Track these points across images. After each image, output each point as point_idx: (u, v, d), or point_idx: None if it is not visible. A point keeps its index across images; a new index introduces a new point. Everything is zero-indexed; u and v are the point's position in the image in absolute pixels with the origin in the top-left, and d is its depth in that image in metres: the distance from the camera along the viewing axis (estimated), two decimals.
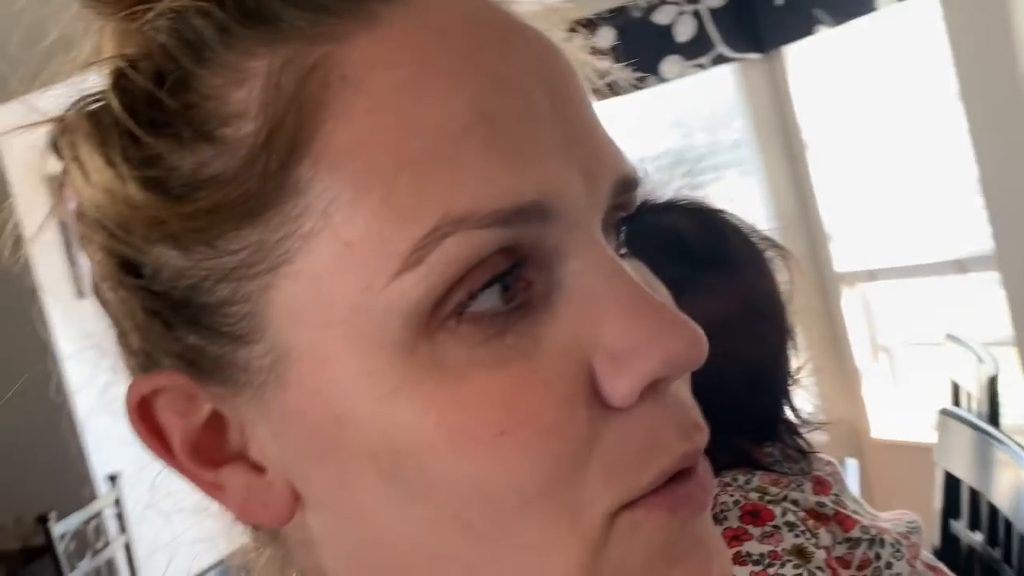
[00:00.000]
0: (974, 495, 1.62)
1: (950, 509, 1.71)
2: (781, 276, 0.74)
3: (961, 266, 2.82)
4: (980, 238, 2.64)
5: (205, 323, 0.35)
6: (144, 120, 0.34)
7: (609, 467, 0.33)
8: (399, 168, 0.32)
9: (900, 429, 3.14)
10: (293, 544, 0.40)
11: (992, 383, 2.02)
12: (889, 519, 0.66)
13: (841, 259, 3.17)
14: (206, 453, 0.37)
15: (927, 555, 0.67)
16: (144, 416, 0.37)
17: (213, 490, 0.37)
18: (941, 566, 0.67)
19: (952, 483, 1.72)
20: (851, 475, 2.37)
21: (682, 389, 0.36)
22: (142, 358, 0.38)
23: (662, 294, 0.38)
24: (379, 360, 0.33)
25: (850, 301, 3.20)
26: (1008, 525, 1.48)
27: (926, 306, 3.03)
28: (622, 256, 0.38)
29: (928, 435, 2.49)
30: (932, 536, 1.74)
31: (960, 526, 1.68)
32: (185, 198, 0.33)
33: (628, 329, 0.33)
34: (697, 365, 0.34)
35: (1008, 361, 2.46)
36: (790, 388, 0.73)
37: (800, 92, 3.12)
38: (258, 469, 0.37)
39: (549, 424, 0.32)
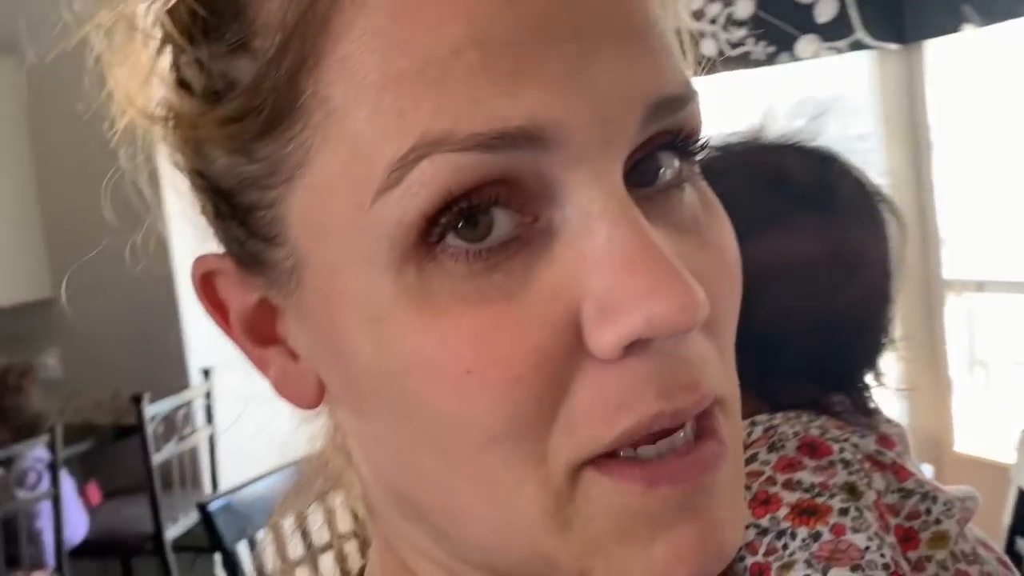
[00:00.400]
0: None
1: (1018, 526, 1.69)
2: (890, 236, 0.73)
3: None
4: None
5: (244, 221, 0.36)
6: (199, 26, 0.35)
7: (575, 418, 0.32)
8: (385, 87, 0.31)
9: (984, 446, 3.07)
10: (336, 425, 0.44)
11: None
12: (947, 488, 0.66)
13: (951, 266, 3.10)
14: (257, 331, 0.39)
15: (981, 533, 0.67)
16: (207, 289, 0.39)
17: (259, 364, 0.40)
18: (995, 547, 0.67)
19: None
20: None
21: (692, 343, 0.34)
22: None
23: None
24: (370, 279, 0.33)
25: (954, 309, 3.13)
26: None
27: None
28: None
29: (1011, 455, 2.43)
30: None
31: None
32: (217, 105, 0.34)
33: (618, 281, 0.31)
34: (688, 329, 0.31)
35: None
36: (873, 347, 0.72)
37: (935, 90, 3.03)
38: (294, 355, 0.39)
39: (516, 370, 0.32)
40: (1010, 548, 1.69)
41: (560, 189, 0.32)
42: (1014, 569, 0.65)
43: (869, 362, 0.71)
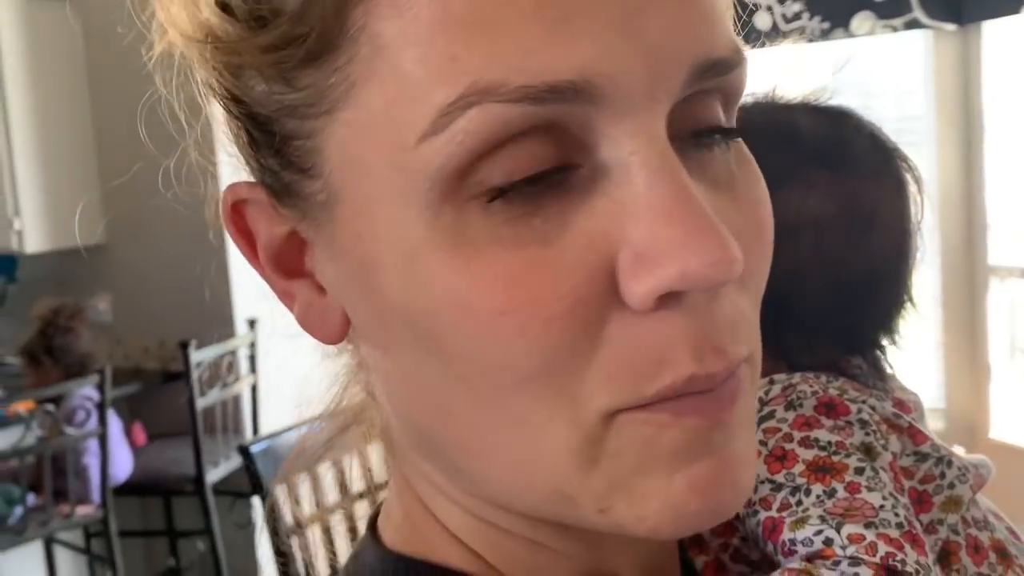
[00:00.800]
0: None
1: None
2: (908, 195, 0.71)
3: None
4: None
5: (279, 150, 0.36)
6: None
7: (612, 368, 0.33)
8: (439, 28, 0.31)
9: (1021, 434, 3.05)
10: (358, 360, 0.44)
11: None
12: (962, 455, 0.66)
13: (997, 251, 3.07)
14: (284, 263, 0.39)
15: (991, 503, 0.66)
16: (236, 218, 0.39)
17: (284, 296, 0.40)
18: (1005, 517, 0.67)
19: None
20: None
21: (725, 298, 0.34)
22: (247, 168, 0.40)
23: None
24: (405, 218, 0.33)
25: (997, 295, 3.10)
26: None
27: None
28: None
29: None
30: None
31: None
32: (259, 30, 0.34)
33: (655, 232, 0.31)
34: (721, 285, 0.32)
35: None
36: (891, 307, 0.70)
37: (991, 72, 2.99)
38: (321, 289, 0.39)
39: (551, 313, 0.32)
40: None
41: (602, 139, 0.32)
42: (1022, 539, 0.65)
43: (886, 323, 0.70)
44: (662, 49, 0.32)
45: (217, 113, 0.40)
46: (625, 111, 0.32)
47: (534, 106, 0.30)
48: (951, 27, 2.94)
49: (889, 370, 0.69)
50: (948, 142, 3.07)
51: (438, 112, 0.31)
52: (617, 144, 0.32)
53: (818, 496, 0.55)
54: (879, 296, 0.70)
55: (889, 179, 0.70)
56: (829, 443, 0.58)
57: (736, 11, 0.41)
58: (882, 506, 0.55)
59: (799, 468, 0.56)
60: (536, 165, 0.32)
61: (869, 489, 0.56)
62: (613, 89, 0.31)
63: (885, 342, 0.70)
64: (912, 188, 0.71)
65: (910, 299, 0.71)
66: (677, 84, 0.32)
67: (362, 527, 0.46)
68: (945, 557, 0.60)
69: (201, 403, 3.01)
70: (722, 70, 0.34)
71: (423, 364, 0.35)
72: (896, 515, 0.55)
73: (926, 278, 3.10)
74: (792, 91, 0.70)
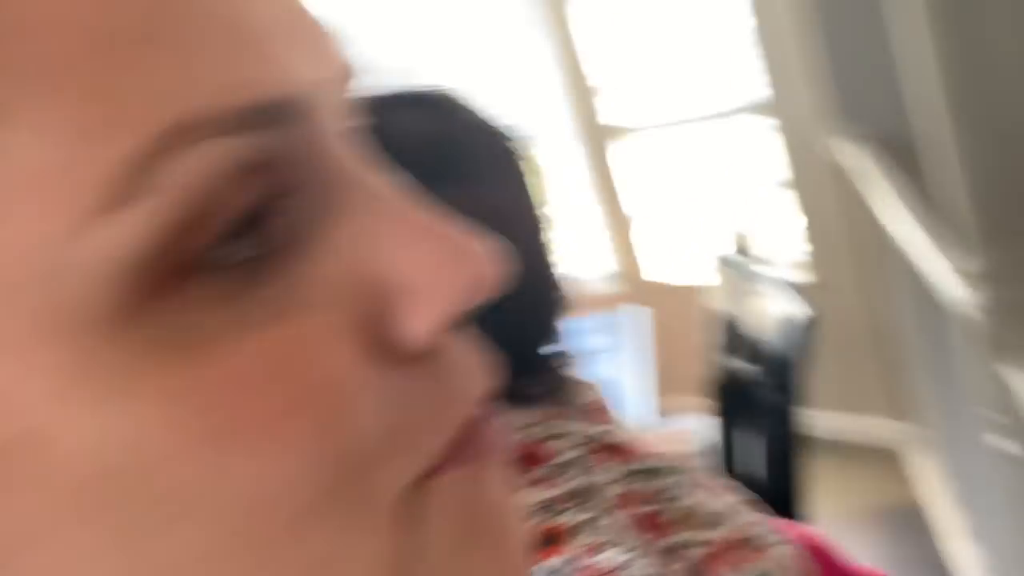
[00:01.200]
0: (744, 333, 1.79)
1: (730, 346, 1.86)
2: (529, 183, 0.63)
3: (734, 115, 2.95)
4: (753, 87, 2.75)
5: None
6: None
7: (402, 436, 0.26)
8: (98, 53, 0.21)
9: (673, 273, 3.34)
10: None
11: (760, 227, 2.18)
12: (663, 436, 0.63)
13: (608, 111, 3.28)
14: None
15: (704, 472, 0.64)
16: None
17: None
18: (716, 482, 0.64)
19: (724, 321, 1.88)
20: (644, 323, 2.54)
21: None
22: None
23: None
24: (77, 349, 0.21)
25: (619, 152, 3.33)
26: (775, 357, 1.65)
27: (700, 155, 3.18)
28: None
29: (698, 277, 2.67)
30: (706, 370, 1.91)
31: (730, 359, 1.84)
32: None
33: (418, 257, 0.26)
34: (499, 287, 0.27)
35: (785, 204, 2.65)
36: (550, 313, 0.63)
37: None
38: None
39: (342, 392, 0.24)
40: (718, 366, 1.86)
41: (309, 170, 0.25)
42: (746, 493, 0.65)
43: (549, 329, 0.63)
44: (327, 57, 0.26)
45: None
46: (325, 131, 0.26)
47: (251, 134, 0.23)
48: None
49: (567, 375, 0.63)
50: (540, 16, 3.22)
51: (119, 170, 0.21)
52: (329, 170, 0.26)
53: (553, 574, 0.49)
54: (536, 305, 0.62)
55: (508, 173, 0.62)
56: (542, 503, 0.50)
57: None
58: (625, 562, 0.49)
59: None
60: (245, 210, 0.23)
61: (607, 545, 0.50)
62: (311, 103, 0.25)
63: (552, 349, 0.63)
64: (526, 171, 0.63)
65: (560, 295, 0.64)
66: (344, 99, 0.28)
67: None
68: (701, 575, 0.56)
69: None
70: (350, 79, 0.29)
71: (135, 560, 0.23)
72: (642, 567, 0.50)
73: (560, 151, 3.26)
74: (384, 73, 0.60)
